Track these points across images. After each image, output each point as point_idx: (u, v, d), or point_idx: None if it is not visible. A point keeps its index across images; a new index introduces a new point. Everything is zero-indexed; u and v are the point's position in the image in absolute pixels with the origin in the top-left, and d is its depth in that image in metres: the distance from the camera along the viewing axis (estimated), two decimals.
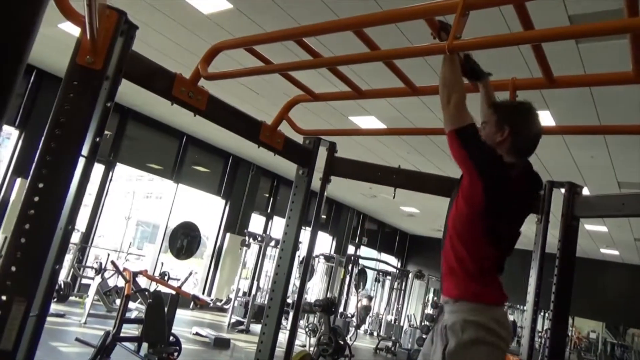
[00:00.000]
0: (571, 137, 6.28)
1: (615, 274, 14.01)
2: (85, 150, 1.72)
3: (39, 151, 1.64)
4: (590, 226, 10.43)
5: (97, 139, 1.76)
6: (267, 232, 11.91)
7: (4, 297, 1.50)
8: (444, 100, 1.73)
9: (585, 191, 2.84)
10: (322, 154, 3.10)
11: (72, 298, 7.92)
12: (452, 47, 1.45)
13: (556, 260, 2.65)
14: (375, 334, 12.55)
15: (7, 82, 0.75)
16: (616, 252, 13.01)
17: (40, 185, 1.59)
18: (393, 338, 10.36)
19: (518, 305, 16.21)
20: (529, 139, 1.76)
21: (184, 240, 9.55)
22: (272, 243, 9.89)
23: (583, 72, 4.59)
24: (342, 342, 5.57)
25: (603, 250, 13.06)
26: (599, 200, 2.75)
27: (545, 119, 5.77)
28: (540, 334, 12.15)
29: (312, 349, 6.82)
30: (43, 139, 1.64)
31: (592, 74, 4.00)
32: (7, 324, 1.48)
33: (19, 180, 7.68)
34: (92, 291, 7.08)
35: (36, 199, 1.57)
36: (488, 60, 4.45)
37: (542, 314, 11.06)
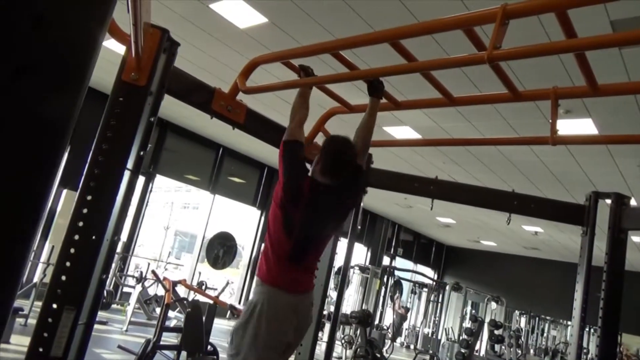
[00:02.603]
0: (615, 146, 6.05)
1: None
2: (130, 164, 1.78)
3: (87, 165, 1.71)
4: (638, 238, 9.98)
5: (142, 153, 1.82)
6: None
7: (54, 305, 1.56)
8: (290, 118, 2.34)
9: (633, 202, 2.73)
10: None
11: (114, 306, 8.14)
12: (492, 56, 1.43)
13: (604, 274, 2.54)
14: (411, 347, 12.33)
15: (72, 104, 0.78)
16: None
17: (89, 197, 1.65)
18: (430, 352, 10.15)
19: (561, 320, 15.61)
20: (327, 167, 2.22)
21: (220, 250, 9.66)
22: None
23: (626, 78, 4.42)
24: (378, 355, 5.50)
25: None
26: None
27: (587, 127, 5.59)
28: (584, 351, 11.64)
29: None
30: (91, 152, 1.71)
31: (639, 82, 3.85)
32: (58, 331, 1.54)
33: (65, 191, 8.01)
34: (133, 299, 7.26)
35: (85, 210, 1.64)
36: (526, 70, 4.38)
37: (586, 329, 10.61)
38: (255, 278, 2.22)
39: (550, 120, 2.17)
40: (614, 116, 5.34)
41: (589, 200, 2.78)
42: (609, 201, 2.75)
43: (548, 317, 15.28)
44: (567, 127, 5.65)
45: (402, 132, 7.19)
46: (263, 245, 2.25)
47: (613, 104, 5.00)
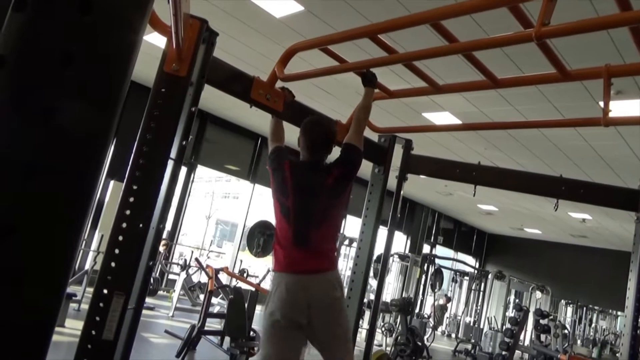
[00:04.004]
0: None
1: None
2: (173, 153, 1.82)
3: (132, 155, 1.75)
4: None
5: (184, 142, 1.85)
6: (341, 231, 11.96)
7: (105, 291, 1.62)
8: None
9: None
10: (397, 152, 3.06)
11: (160, 292, 8.43)
12: (540, 33, 1.37)
13: None
14: (453, 335, 12.19)
15: (116, 98, 0.80)
16: None
17: (135, 187, 1.70)
18: (472, 341, 10.00)
19: (610, 310, 15.02)
20: (306, 145, 2.36)
21: (261, 238, 9.80)
22: (346, 242, 9.90)
23: None
24: (419, 343, 5.46)
25: None
26: None
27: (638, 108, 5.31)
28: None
29: (389, 348, 6.75)
30: (136, 143, 1.75)
31: None
32: (109, 315, 1.60)
33: (112, 182, 8.32)
34: (178, 286, 7.49)
35: (131, 199, 1.68)
36: (572, 49, 4.18)
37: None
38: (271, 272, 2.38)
39: (602, 101, 2.07)
40: None
41: None
42: None
43: (596, 307, 14.73)
44: (619, 108, 5.37)
45: (442, 117, 7.04)
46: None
47: None
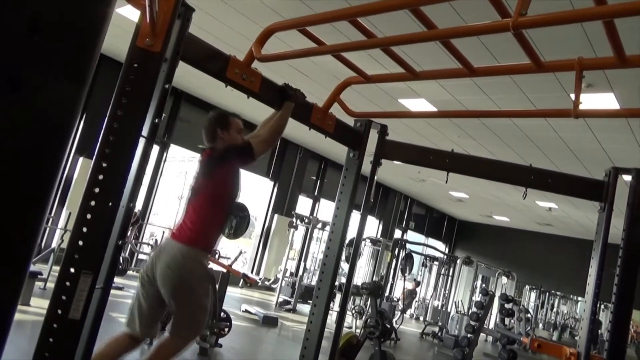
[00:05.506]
0: (637, 122, 5.90)
1: None
2: (145, 131, 1.77)
3: (102, 131, 1.70)
4: None
5: (156, 120, 1.80)
6: (314, 215, 12.00)
7: (72, 270, 1.58)
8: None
9: None
10: (372, 137, 3.06)
11: (130, 272, 8.32)
12: (517, 24, 1.38)
13: (620, 251, 2.51)
14: (421, 318, 12.48)
15: (84, 69, 0.77)
16: None
17: (104, 164, 1.65)
18: (440, 324, 10.26)
19: (571, 296, 15.61)
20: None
21: (233, 220, 9.76)
22: (319, 225, 9.95)
23: None
24: (388, 326, 5.56)
25: None
26: None
27: (610, 102, 5.45)
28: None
29: (358, 331, 6.87)
30: (106, 119, 1.70)
31: None
32: (76, 294, 1.56)
33: (81, 159, 8.10)
34: None
35: (100, 177, 1.64)
36: (548, 41, 4.24)
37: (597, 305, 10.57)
38: None
39: (573, 93, 2.11)
40: (637, 91, 5.19)
41: (609, 175, 2.73)
42: (628, 178, 2.70)
43: (558, 293, 15.29)
44: (589, 101, 5.51)
45: (418, 104, 7.09)
46: None
47: (636, 78, 4.84)
